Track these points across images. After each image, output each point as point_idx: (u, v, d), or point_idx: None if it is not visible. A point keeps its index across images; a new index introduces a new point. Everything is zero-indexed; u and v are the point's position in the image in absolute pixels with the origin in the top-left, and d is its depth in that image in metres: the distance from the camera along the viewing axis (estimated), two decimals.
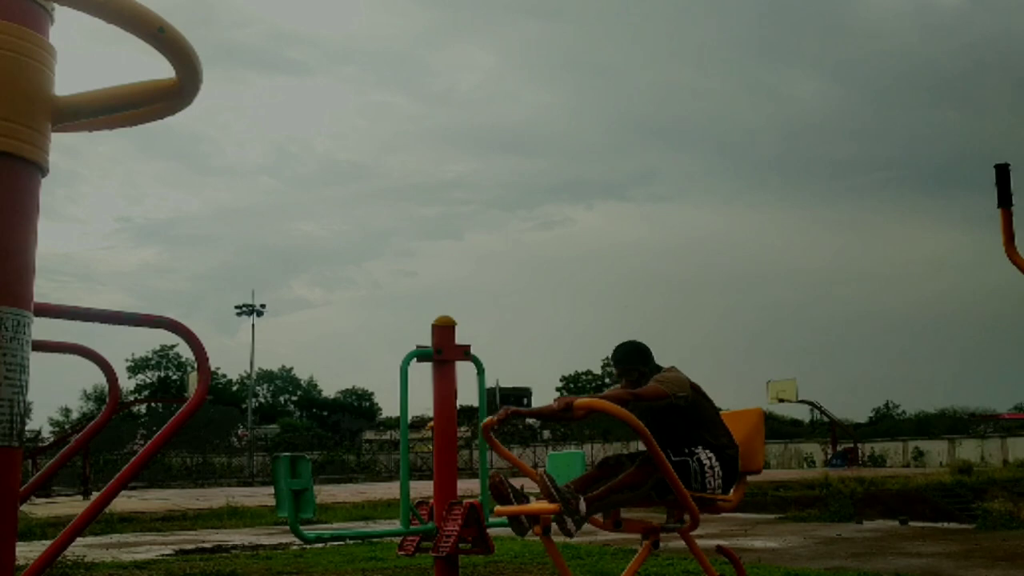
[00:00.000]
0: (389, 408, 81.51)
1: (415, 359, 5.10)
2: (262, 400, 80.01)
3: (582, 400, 4.01)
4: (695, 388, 4.48)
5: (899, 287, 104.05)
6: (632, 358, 4.58)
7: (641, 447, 4.14)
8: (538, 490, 4.09)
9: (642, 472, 4.12)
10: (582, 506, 3.97)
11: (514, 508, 4.14)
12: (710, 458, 4.39)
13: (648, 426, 4.04)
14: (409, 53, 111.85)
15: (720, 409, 4.67)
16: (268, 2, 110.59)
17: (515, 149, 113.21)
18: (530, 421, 70.44)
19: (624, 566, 6.46)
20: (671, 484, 3.97)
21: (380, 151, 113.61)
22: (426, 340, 5.17)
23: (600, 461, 4.52)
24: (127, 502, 18.67)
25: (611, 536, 5.70)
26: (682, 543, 4.58)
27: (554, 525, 4.12)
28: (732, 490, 4.56)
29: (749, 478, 4.75)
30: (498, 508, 4.24)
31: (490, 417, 4.54)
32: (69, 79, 1.71)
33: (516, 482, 4.42)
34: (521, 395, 73.07)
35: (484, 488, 5.25)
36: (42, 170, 1.62)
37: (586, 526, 4.17)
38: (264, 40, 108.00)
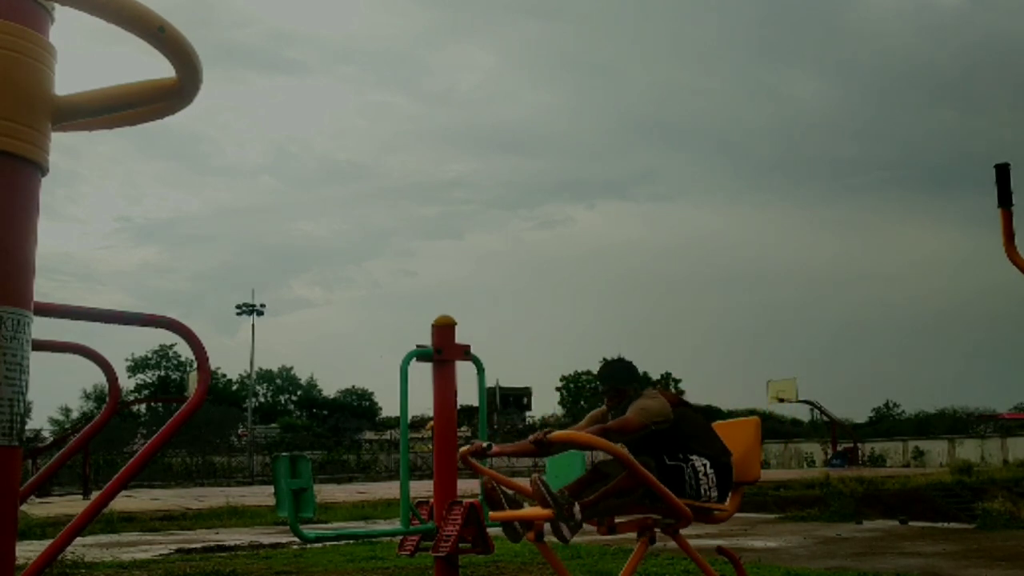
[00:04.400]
0: (389, 408, 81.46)
1: (415, 359, 5.10)
2: (262, 400, 79.97)
3: (558, 433, 4.01)
4: (681, 404, 4.50)
5: (899, 287, 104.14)
6: (616, 377, 4.58)
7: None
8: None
9: (634, 478, 4.13)
10: (577, 512, 3.97)
11: (508, 514, 4.13)
12: (704, 464, 4.40)
13: (639, 439, 4.08)
14: (409, 53, 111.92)
15: (719, 415, 4.71)
16: (268, 2, 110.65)
17: (515, 149, 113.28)
18: (531, 420, 70.46)
19: (624, 566, 6.47)
20: (655, 488, 3.97)
21: (380, 151, 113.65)
22: (426, 340, 5.17)
23: (593, 466, 4.53)
24: (127, 502, 18.66)
25: (612, 536, 5.71)
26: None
27: (547, 530, 4.12)
28: (728, 499, 4.56)
29: (746, 487, 4.76)
30: (492, 514, 4.23)
31: (465, 447, 4.52)
32: (69, 79, 1.71)
33: (517, 483, 4.43)
34: (521, 395, 73.04)
35: (484, 488, 5.25)
36: (42, 170, 1.62)
37: (585, 524, 4.18)
38: (264, 40, 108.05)
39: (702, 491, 4.36)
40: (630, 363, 4.63)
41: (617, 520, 4.52)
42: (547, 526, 4.21)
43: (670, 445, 4.41)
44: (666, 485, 4.10)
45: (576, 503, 4.00)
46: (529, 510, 4.13)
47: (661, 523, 4.42)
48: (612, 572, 6.87)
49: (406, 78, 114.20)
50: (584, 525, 4.14)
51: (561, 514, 3.91)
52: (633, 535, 4.48)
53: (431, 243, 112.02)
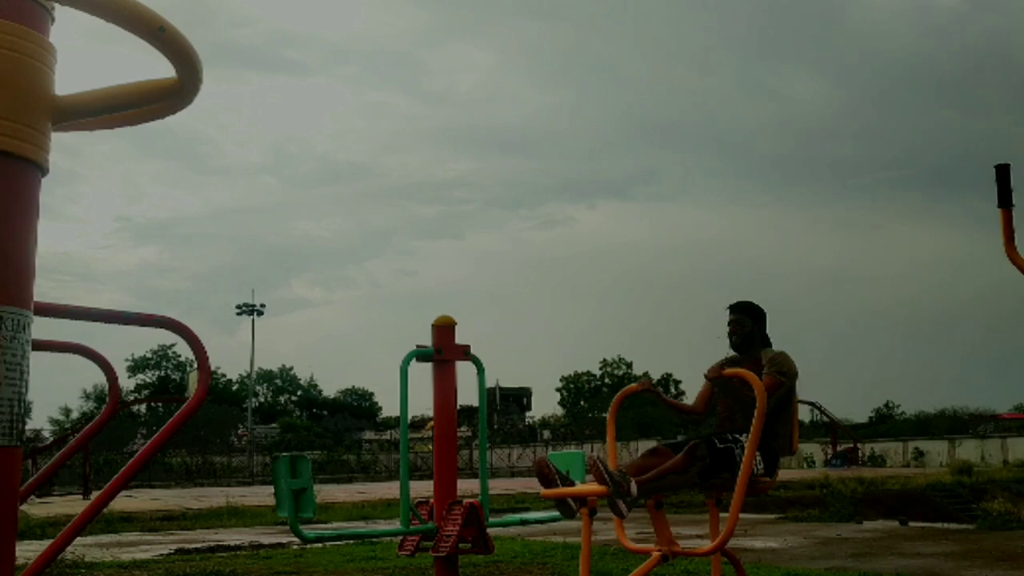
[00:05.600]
0: (389, 408, 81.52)
1: (415, 359, 5.10)
2: (262, 400, 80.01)
3: (731, 370, 4.34)
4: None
5: (899, 287, 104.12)
6: (751, 312, 4.82)
7: (680, 438, 4.46)
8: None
9: (688, 458, 4.28)
10: (633, 488, 4.07)
11: (562, 491, 4.17)
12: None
13: (721, 405, 4.50)
14: (408, 53, 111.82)
15: None
16: (268, 2, 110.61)
17: (515, 149, 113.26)
18: (530, 420, 70.48)
19: (624, 566, 6.47)
20: (740, 483, 4.09)
21: (380, 151, 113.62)
22: (426, 340, 5.17)
23: (649, 450, 4.62)
24: (127, 502, 18.67)
25: (611, 536, 5.70)
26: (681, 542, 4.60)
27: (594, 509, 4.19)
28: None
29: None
30: (544, 492, 4.25)
31: (631, 385, 4.73)
32: (69, 79, 1.71)
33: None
34: (521, 395, 73.04)
35: (484, 488, 5.26)
36: (42, 169, 1.62)
37: (599, 524, 4.21)
38: (264, 40, 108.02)
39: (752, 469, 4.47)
40: (762, 309, 4.88)
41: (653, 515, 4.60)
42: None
43: (738, 419, 4.54)
44: (717, 467, 4.27)
45: (632, 480, 4.09)
46: (584, 486, 4.19)
47: (687, 550, 4.55)
48: (612, 572, 6.87)
49: (406, 78, 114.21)
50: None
51: (618, 491, 4.01)
52: (640, 534, 4.49)
53: (431, 243, 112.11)
